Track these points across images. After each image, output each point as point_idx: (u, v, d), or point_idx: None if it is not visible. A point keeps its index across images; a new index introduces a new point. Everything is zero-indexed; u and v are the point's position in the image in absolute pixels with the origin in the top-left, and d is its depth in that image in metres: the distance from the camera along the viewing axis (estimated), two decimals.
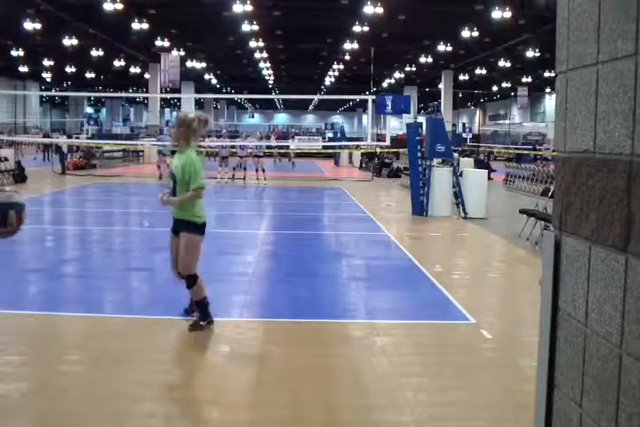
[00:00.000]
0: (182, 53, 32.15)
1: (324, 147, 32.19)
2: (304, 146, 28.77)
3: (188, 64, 35.79)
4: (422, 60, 33.43)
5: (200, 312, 5.55)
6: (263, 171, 21.42)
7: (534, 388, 1.69)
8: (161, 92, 35.93)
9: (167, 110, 67.81)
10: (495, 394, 4.31)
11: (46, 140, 31.79)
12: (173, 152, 7.70)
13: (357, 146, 31.43)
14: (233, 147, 23.19)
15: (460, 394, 4.29)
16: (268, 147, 31.29)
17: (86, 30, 27.24)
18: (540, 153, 33.87)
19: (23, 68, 39.44)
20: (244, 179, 21.60)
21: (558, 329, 1.57)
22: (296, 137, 32.74)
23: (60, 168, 23.89)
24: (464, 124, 53.59)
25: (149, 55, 34.06)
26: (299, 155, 34.14)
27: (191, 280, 5.46)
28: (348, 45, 29.55)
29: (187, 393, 4.21)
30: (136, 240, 10.81)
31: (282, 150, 32.89)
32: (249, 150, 22.06)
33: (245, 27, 25.92)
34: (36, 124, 48.00)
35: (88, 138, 31.43)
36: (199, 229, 5.47)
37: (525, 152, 35.46)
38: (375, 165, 26.95)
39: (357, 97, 45.89)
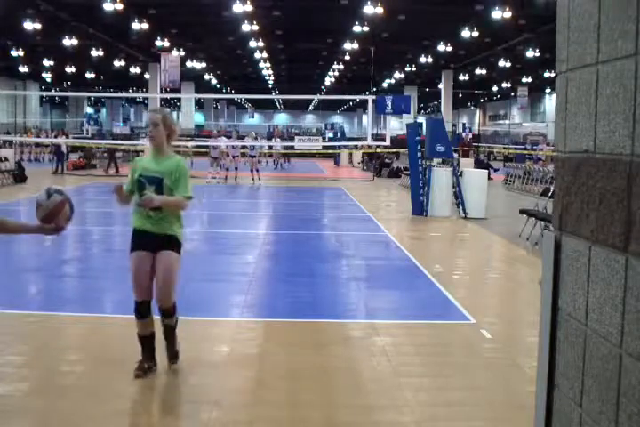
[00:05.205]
0: (182, 53, 32.10)
1: (324, 147, 32.16)
2: (304, 146, 28.72)
3: (188, 64, 35.74)
4: (422, 60, 33.38)
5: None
6: (257, 171, 21.48)
7: (534, 388, 1.69)
8: (161, 92, 35.89)
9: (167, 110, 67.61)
10: (495, 394, 4.31)
11: (46, 141, 31.76)
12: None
13: (356, 146, 31.39)
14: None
15: (460, 394, 4.28)
16: (270, 147, 31.27)
17: (86, 30, 27.20)
18: (532, 152, 33.88)
19: (23, 68, 39.37)
20: (236, 179, 21.58)
21: (558, 329, 1.57)
22: (297, 137, 32.61)
23: (56, 168, 23.86)
24: (464, 125, 53.53)
25: (149, 55, 34.02)
26: (298, 155, 33.95)
27: (173, 308, 4.47)
28: (348, 45, 29.52)
29: (187, 393, 4.20)
30: None
31: (267, 151, 32.59)
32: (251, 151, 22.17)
33: (245, 27, 25.87)
34: (36, 124, 47.97)
35: (87, 138, 31.43)
36: (180, 246, 4.49)
37: (523, 152, 35.46)
38: (375, 165, 26.95)
39: (357, 97, 45.86)
